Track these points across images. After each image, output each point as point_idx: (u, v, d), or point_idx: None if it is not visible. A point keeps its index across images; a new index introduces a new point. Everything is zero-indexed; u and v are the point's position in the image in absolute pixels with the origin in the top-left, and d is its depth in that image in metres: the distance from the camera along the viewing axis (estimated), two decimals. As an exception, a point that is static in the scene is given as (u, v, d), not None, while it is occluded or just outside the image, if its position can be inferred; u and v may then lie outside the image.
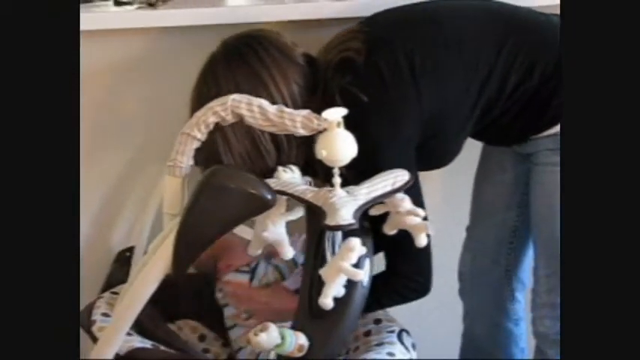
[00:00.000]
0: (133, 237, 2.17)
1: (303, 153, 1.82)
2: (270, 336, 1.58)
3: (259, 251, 1.76)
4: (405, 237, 1.69)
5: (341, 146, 1.59)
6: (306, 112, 1.65)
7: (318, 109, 1.72)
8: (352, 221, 1.57)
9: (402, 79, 1.81)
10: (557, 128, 1.89)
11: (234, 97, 1.68)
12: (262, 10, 2.14)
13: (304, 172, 1.81)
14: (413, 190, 1.76)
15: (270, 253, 1.97)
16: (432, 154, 1.92)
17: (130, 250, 2.15)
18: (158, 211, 2.09)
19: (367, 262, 1.65)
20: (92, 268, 2.14)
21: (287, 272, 2.06)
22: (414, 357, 1.87)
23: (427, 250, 1.82)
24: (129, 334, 1.76)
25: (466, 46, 1.86)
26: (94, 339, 1.77)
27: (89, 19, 2.05)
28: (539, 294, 2.06)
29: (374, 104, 1.80)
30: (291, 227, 1.75)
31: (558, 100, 1.85)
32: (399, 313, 1.98)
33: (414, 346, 1.91)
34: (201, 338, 2.11)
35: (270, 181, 1.68)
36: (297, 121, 1.64)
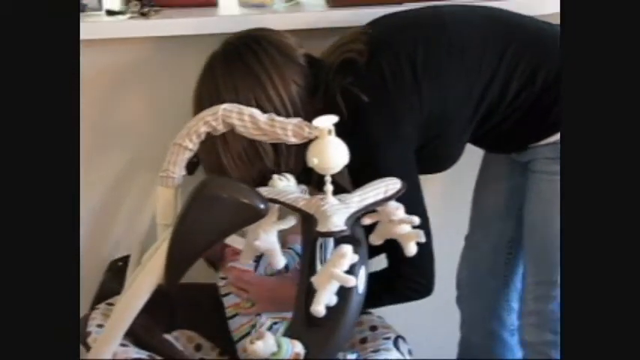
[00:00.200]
0: (131, 247, 2.17)
1: (302, 156, 1.82)
2: (266, 344, 1.58)
3: (251, 261, 1.76)
4: None
5: (332, 154, 1.59)
6: (297, 120, 1.65)
7: (318, 110, 1.74)
8: (344, 228, 1.57)
9: (404, 81, 1.82)
10: (556, 137, 1.89)
11: (224, 107, 1.68)
12: (254, 19, 2.14)
13: (304, 177, 1.80)
14: (414, 195, 1.77)
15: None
16: (432, 157, 1.92)
17: (122, 259, 2.15)
18: (152, 220, 2.10)
19: (362, 270, 1.65)
20: (85, 277, 2.13)
21: (291, 263, 2.05)
22: (411, 363, 1.87)
23: (429, 251, 1.83)
24: (125, 344, 1.75)
25: (469, 51, 1.86)
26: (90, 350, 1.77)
27: (81, 29, 2.04)
28: (527, 301, 2.06)
29: (375, 105, 1.80)
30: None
31: (559, 107, 1.85)
32: (397, 319, 1.98)
33: (410, 352, 1.91)
34: (198, 348, 2.10)
35: (262, 190, 1.68)
36: (289, 129, 1.64)
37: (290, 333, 1.69)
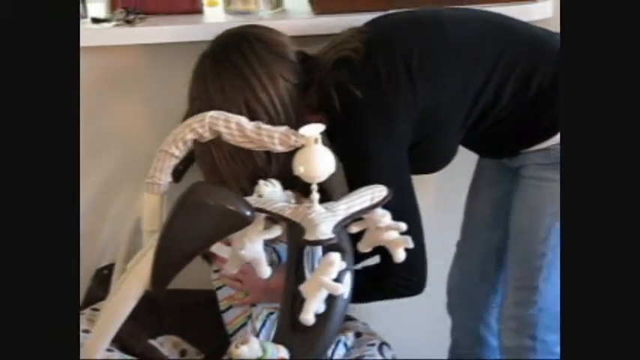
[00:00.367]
0: (117, 255, 2.17)
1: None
2: (251, 348, 1.58)
3: (236, 270, 1.76)
4: None
5: (319, 162, 1.59)
6: (283, 128, 1.65)
7: (311, 106, 1.77)
8: (331, 236, 1.57)
9: (399, 79, 1.83)
10: (547, 143, 1.90)
11: (211, 114, 1.68)
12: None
13: (289, 183, 1.81)
14: (406, 192, 1.80)
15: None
16: (424, 156, 1.92)
17: (108, 267, 2.15)
18: (137, 227, 2.10)
19: (347, 276, 1.66)
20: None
21: (284, 255, 2.05)
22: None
23: (421, 249, 1.84)
24: (110, 349, 1.76)
25: (465, 53, 1.88)
26: (76, 356, 1.77)
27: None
28: (507, 306, 2.06)
29: (368, 101, 1.81)
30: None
31: (551, 114, 1.86)
32: (388, 323, 1.98)
33: (394, 358, 1.92)
34: (183, 353, 2.11)
35: (249, 199, 1.69)
36: (275, 137, 1.64)
37: (275, 338, 1.70)
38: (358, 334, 1.98)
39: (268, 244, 2.03)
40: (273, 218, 1.68)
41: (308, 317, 1.57)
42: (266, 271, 1.71)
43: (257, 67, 1.84)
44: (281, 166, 1.84)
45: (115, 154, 2.24)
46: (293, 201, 1.75)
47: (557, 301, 1.94)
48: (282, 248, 2.03)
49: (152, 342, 2.04)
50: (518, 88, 1.87)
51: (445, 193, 2.34)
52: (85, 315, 1.92)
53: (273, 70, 1.85)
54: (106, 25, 2.18)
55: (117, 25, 2.18)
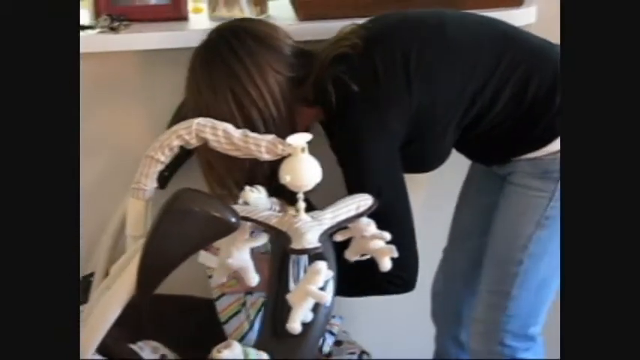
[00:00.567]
0: (92, 263, 2.17)
1: None
2: (233, 353, 1.59)
3: (224, 279, 1.76)
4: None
5: (305, 172, 1.60)
6: (271, 137, 1.66)
7: (307, 99, 1.79)
8: (318, 245, 1.58)
9: (395, 76, 1.84)
10: (538, 153, 1.91)
11: (198, 121, 1.69)
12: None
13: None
14: (398, 189, 1.82)
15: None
16: (418, 155, 1.93)
17: (93, 275, 2.15)
18: (118, 234, 2.10)
19: (330, 284, 1.66)
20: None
21: None
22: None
23: (412, 246, 1.85)
24: (90, 353, 1.75)
25: (465, 55, 1.89)
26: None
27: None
28: (478, 308, 2.06)
29: (364, 95, 1.82)
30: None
31: (544, 124, 1.88)
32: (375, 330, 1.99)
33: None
34: (162, 358, 2.11)
35: (235, 207, 1.69)
36: (262, 145, 1.65)
37: (257, 344, 1.71)
38: (338, 343, 1.99)
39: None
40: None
41: (295, 326, 1.57)
42: (254, 279, 1.72)
43: (244, 57, 1.84)
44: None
45: (99, 159, 2.24)
46: (277, 208, 1.75)
47: (528, 309, 1.98)
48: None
49: (132, 346, 2.04)
50: (514, 95, 1.88)
51: (434, 200, 2.35)
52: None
53: (262, 62, 1.84)
54: (90, 32, 2.17)
55: (101, 32, 2.17)
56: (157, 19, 2.24)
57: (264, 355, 1.64)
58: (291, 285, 1.66)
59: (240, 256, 1.69)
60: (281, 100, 1.85)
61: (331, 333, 2.01)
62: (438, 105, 1.87)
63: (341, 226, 1.67)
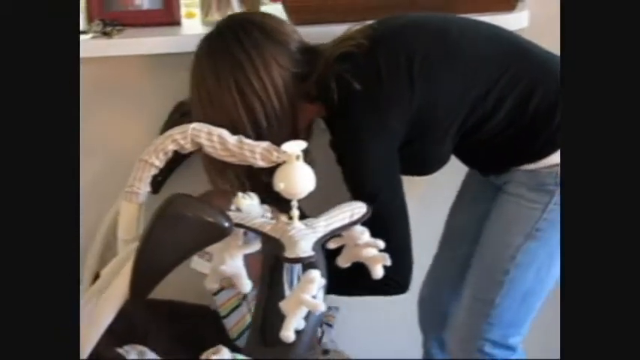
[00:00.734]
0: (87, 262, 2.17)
1: None
2: (222, 359, 1.60)
3: (216, 285, 1.77)
4: (382, 235, 1.71)
5: (299, 179, 1.61)
6: (266, 144, 1.67)
7: (309, 95, 1.79)
8: (311, 254, 1.59)
9: (399, 77, 1.84)
10: (536, 165, 1.91)
11: (194, 126, 1.69)
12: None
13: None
14: (394, 188, 1.81)
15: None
16: (418, 157, 1.93)
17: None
18: (107, 238, 2.10)
19: (321, 291, 1.67)
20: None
21: None
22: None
23: (407, 247, 1.85)
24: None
25: (470, 60, 1.89)
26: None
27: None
28: (460, 313, 2.05)
29: (366, 94, 1.82)
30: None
31: (544, 136, 1.88)
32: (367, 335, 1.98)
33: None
34: (147, 362, 2.11)
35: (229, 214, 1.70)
36: (257, 152, 1.66)
37: (245, 351, 1.71)
38: (325, 352, 1.99)
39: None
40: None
41: (288, 334, 1.57)
42: (246, 285, 1.72)
43: (249, 48, 1.83)
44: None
45: (94, 162, 2.24)
46: (269, 215, 1.75)
47: (510, 319, 1.98)
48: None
49: (119, 350, 2.04)
50: (516, 106, 1.88)
51: (428, 205, 2.35)
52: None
53: (267, 55, 1.84)
54: (83, 37, 2.17)
55: (94, 37, 2.18)
56: (149, 24, 2.25)
57: (253, 363, 1.65)
58: (286, 291, 1.66)
59: (233, 262, 1.69)
60: (284, 94, 1.84)
61: (328, 325, 2.01)
62: (440, 107, 1.87)
63: (335, 234, 1.68)
